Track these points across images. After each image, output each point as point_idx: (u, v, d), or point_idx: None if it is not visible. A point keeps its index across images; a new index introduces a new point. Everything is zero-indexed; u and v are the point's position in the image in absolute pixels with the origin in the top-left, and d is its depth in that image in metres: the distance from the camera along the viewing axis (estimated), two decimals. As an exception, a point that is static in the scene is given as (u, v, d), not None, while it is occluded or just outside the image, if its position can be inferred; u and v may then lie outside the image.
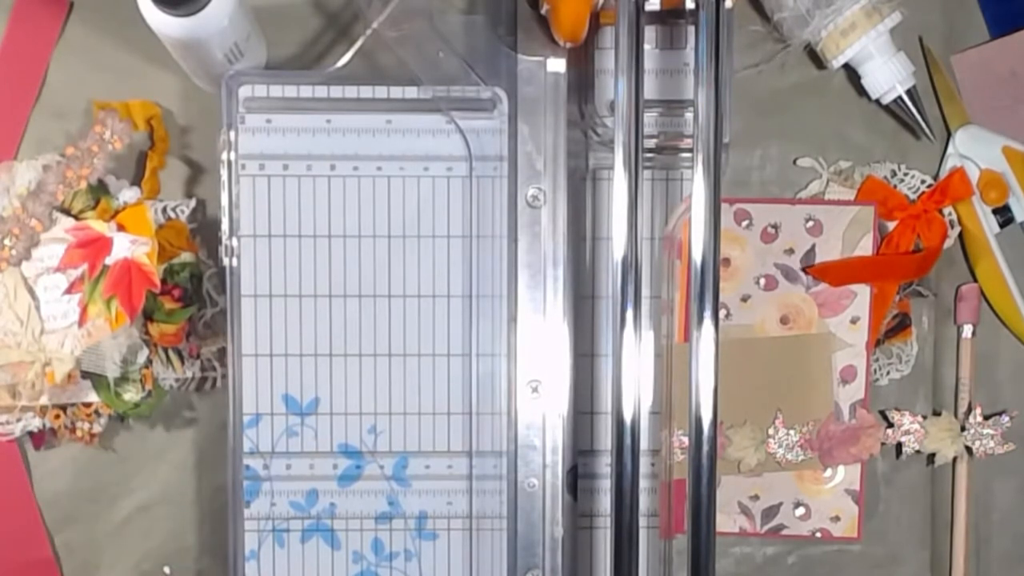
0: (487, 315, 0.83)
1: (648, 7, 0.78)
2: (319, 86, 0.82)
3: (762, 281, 0.87)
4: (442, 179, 0.83)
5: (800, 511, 0.88)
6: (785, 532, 0.88)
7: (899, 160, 0.89)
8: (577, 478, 0.86)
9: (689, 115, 0.82)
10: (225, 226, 0.82)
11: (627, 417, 0.76)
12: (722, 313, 0.86)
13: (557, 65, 0.83)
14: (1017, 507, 0.90)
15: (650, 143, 0.82)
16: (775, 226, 0.87)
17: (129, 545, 0.87)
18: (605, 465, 0.86)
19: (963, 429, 0.88)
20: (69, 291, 0.83)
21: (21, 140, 0.86)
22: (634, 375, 0.76)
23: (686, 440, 0.78)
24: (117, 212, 0.84)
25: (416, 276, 0.83)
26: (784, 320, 0.87)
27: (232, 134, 0.82)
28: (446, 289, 0.83)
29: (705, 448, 0.75)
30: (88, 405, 0.84)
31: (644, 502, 0.84)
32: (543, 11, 0.81)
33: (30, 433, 0.85)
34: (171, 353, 0.85)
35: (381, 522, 0.83)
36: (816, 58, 0.88)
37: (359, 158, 0.83)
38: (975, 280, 0.89)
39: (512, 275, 0.83)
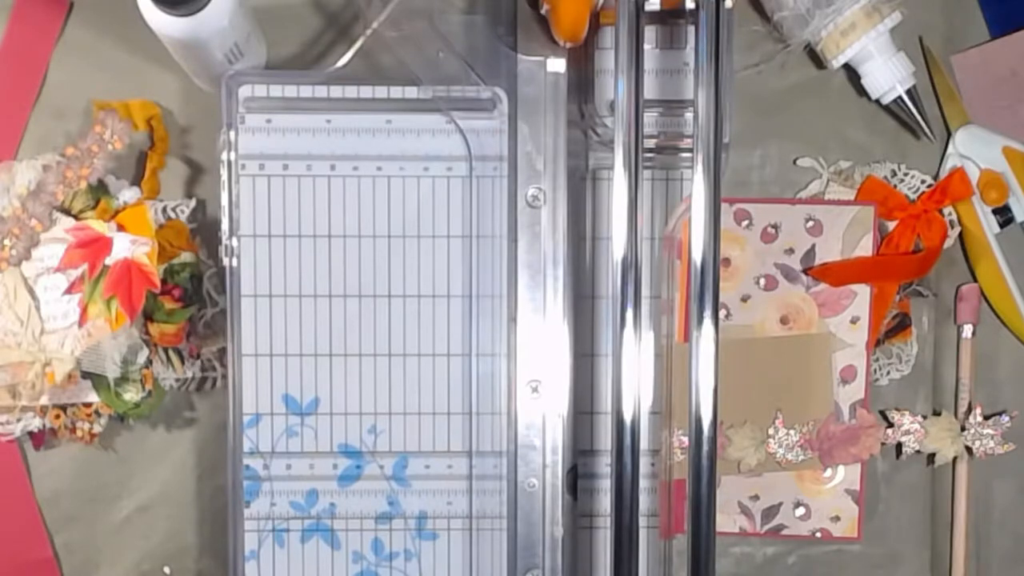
0: (487, 315, 0.83)
1: (648, 7, 0.78)
2: (319, 86, 0.82)
3: (762, 281, 0.87)
4: (442, 179, 0.83)
5: (800, 511, 0.88)
6: (785, 532, 0.88)
7: (899, 160, 0.89)
8: (577, 478, 0.86)
9: (689, 115, 0.82)
10: (225, 226, 0.82)
11: (627, 417, 0.76)
12: (722, 313, 0.86)
13: (557, 65, 0.83)
14: (1017, 507, 0.90)
15: (650, 143, 0.82)
16: (775, 226, 0.87)
17: (129, 545, 0.87)
18: (605, 465, 0.86)
19: (963, 429, 0.88)
20: (69, 291, 0.83)
21: (21, 140, 0.86)
22: (634, 375, 0.76)
23: (686, 440, 0.78)
24: (117, 212, 0.84)
25: (416, 276, 0.83)
26: (784, 320, 0.87)
27: (232, 134, 0.82)
28: (446, 289, 0.83)
29: (705, 448, 0.75)
30: (88, 405, 0.84)
31: (644, 502, 0.84)
32: (543, 11, 0.81)
33: (30, 433, 0.85)
34: (171, 353, 0.85)
35: (381, 522, 0.84)
36: (816, 58, 0.88)
37: (359, 158, 0.83)
38: (975, 280, 0.89)
39: (512, 275, 0.83)
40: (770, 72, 0.88)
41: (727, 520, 0.87)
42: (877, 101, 0.87)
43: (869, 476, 0.88)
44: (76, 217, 0.84)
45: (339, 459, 0.83)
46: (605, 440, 0.86)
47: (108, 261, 0.83)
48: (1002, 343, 0.90)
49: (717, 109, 0.75)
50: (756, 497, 0.88)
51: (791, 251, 0.87)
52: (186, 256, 0.85)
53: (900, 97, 0.86)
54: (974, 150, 0.88)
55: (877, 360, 0.88)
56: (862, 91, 0.87)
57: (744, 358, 0.86)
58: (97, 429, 0.85)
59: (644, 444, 0.81)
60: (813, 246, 0.87)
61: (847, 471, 0.87)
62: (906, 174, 0.88)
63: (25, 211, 0.83)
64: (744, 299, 0.87)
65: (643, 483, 0.82)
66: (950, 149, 0.88)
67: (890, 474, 0.89)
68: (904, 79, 0.86)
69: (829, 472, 0.87)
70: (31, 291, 0.84)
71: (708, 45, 0.75)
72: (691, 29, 0.81)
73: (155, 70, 0.85)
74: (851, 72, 0.87)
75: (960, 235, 0.89)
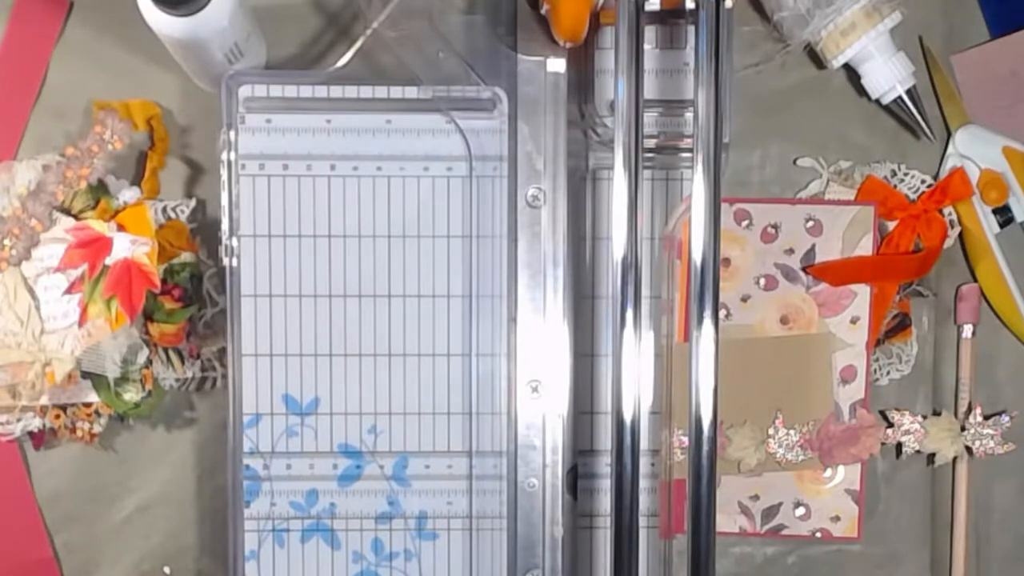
0: (487, 315, 0.83)
1: (648, 7, 0.78)
2: (319, 86, 0.82)
3: (762, 281, 0.87)
4: (442, 179, 0.83)
5: (800, 511, 0.88)
6: (785, 532, 0.88)
7: (899, 160, 0.89)
8: (577, 478, 0.86)
9: (689, 115, 0.82)
10: (225, 226, 0.82)
11: (627, 417, 0.76)
12: (722, 313, 0.86)
13: (557, 65, 0.83)
14: (1017, 507, 0.90)
15: (650, 143, 0.82)
16: (775, 226, 0.87)
17: (129, 545, 0.87)
18: (605, 465, 0.86)
19: (963, 429, 0.88)
20: (69, 291, 0.83)
21: (21, 140, 0.86)
22: (634, 375, 0.76)
23: (686, 440, 0.78)
24: (117, 212, 0.84)
25: (416, 276, 0.83)
26: (784, 320, 0.87)
27: (232, 134, 0.82)
28: (446, 289, 0.83)
29: (705, 448, 0.75)
30: (88, 405, 0.84)
31: (644, 502, 0.84)
32: (543, 11, 0.81)
33: (30, 433, 0.85)
34: (171, 353, 0.85)
35: (381, 522, 0.84)
36: (816, 58, 0.88)
37: (359, 158, 0.83)
38: (975, 280, 0.89)
39: (512, 275, 0.83)
40: (770, 72, 0.88)
41: (727, 520, 0.87)
42: (877, 101, 0.87)
43: (869, 476, 0.88)
44: (76, 217, 0.84)
45: (339, 459, 0.83)
46: (605, 440, 0.86)
47: (108, 261, 0.83)
48: (1002, 343, 0.90)
49: (717, 109, 0.75)
50: (756, 497, 0.88)
51: (791, 251, 0.87)
52: (186, 256, 0.85)
53: (900, 97, 0.86)
54: (974, 150, 0.88)
55: (877, 360, 0.88)
56: (862, 91, 0.87)
57: (744, 358, 0.86)
58: (97, 429, 0.85)
59: (644, 444, 0.81)
60: (813, 246, 0.87)
61: (847, 471, 0.87)
62: (906, 174, 0.88)
63: (25, 211, 0.83)
64: (744, 299, 0.87)
65: (643, 483, 0.82)
66: (950, 149, 0.88)
67: (890, 474, 0.89)
68: (904, 79, 0.86)
69: (829, 472, 0.87)
70: (31, 291, 0.84)
71: (708, 45, 0.75)
72: (691, 29, 0.81)
73: (155, 70, 0.85)
74: (851, 72, 0.87)
75: (960, 235, 0.89)
